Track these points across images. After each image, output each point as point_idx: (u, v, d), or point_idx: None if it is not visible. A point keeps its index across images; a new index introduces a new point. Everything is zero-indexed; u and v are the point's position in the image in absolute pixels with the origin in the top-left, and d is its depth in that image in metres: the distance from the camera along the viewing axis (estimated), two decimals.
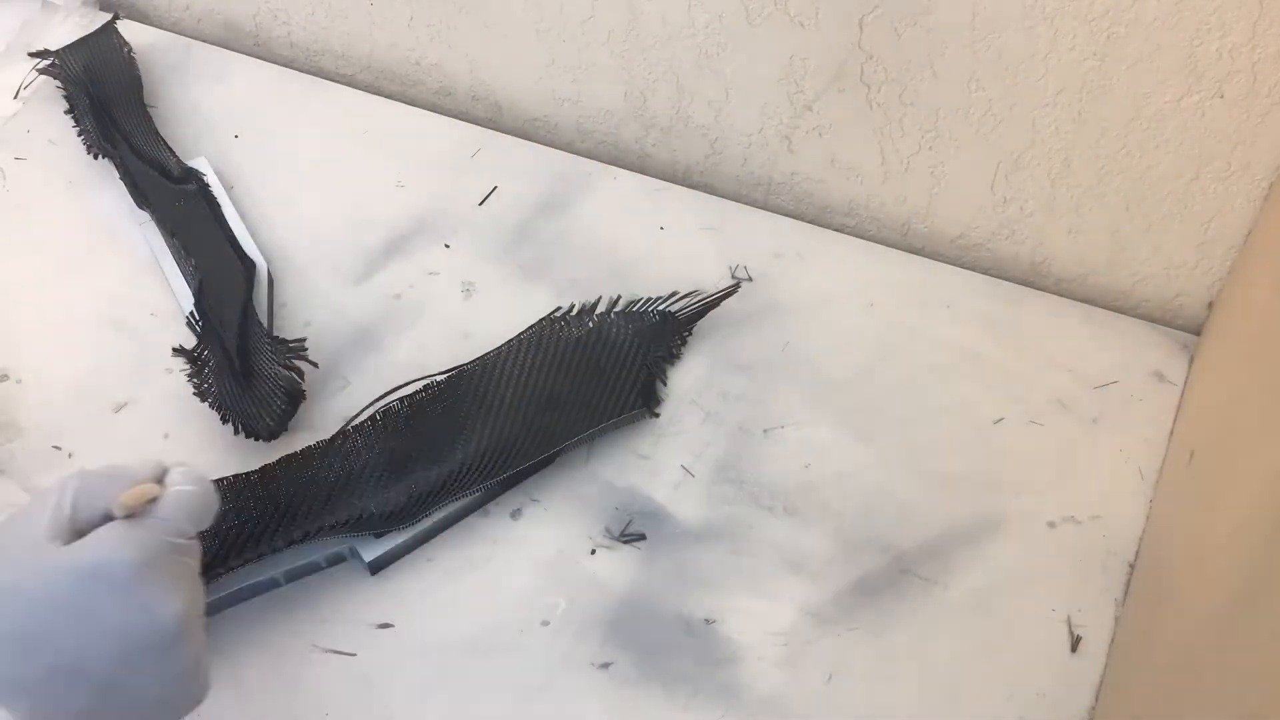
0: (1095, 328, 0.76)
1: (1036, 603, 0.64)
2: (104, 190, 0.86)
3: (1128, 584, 0.65)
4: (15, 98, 0.92)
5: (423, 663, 0.63)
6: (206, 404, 0.71)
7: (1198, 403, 0.69)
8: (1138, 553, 0.66)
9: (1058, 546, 0.66)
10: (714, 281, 0.79)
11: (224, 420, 0.71)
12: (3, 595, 0.44)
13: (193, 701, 0.48)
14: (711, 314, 0.77)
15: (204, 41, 0.97)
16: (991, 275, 0.80)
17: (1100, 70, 0.68)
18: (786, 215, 0.84)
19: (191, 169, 0.85)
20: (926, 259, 0.81)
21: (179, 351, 0.74)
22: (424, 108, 0.92)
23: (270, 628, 0.64)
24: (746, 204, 0.85)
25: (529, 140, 0.90)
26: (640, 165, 0.90)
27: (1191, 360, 0.74)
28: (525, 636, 0.64)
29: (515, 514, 0.68)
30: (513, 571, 0.66)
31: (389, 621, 0.64)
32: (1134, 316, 0.77)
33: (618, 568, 0.66)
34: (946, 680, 0.62)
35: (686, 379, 0.74)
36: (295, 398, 0.72)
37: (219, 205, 0.83)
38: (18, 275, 0.81)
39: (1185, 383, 0.73)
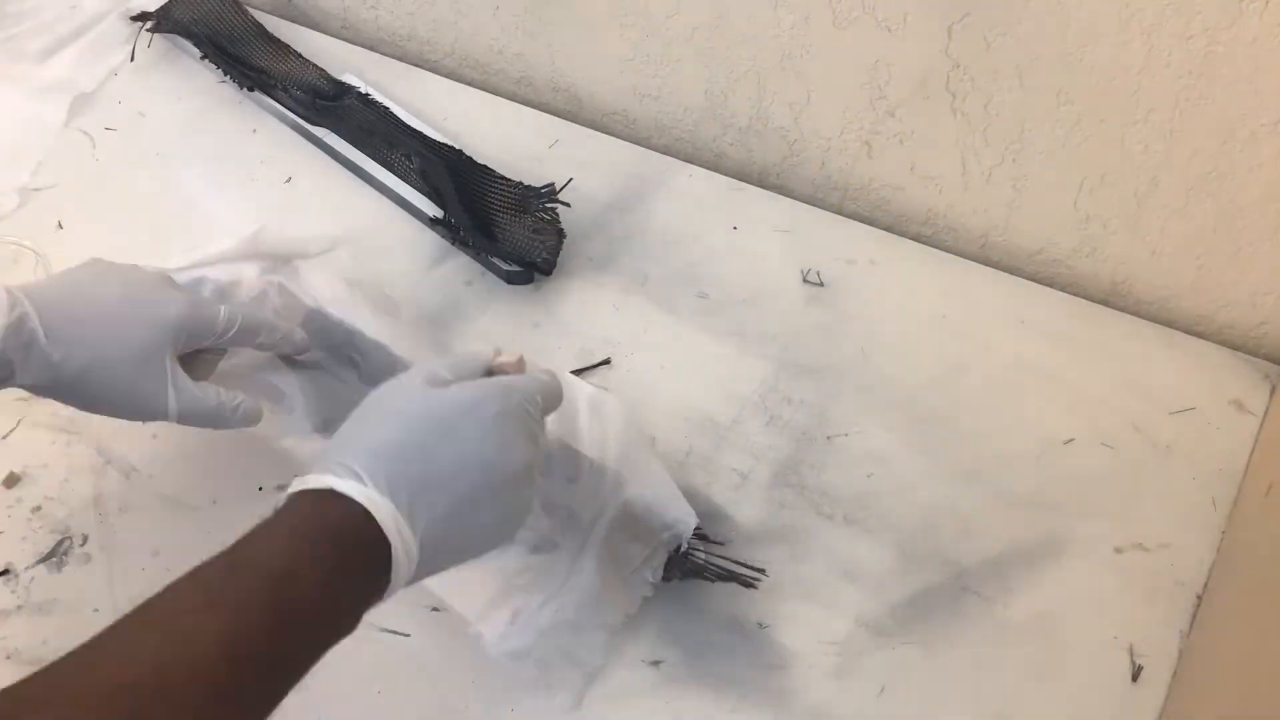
0: (1174, 352, 0.75)
1: (1098, 629, 0.63)
2: (191, 162, 0.88)
3: (1194, 615, 0.63)
4: (132, 60, 0.95)
5: (474, 647, 0.63)
6: (478, 260, 0.80)
7: (1278, 434, 0.67)
8: (1206, 584, 0.64)
9: (1123, 573, 0.65)
10: (785, 283, 0.78)
11: (493, 270, 0.80)
12: (394, 415, 0.53)
13: (513, 536, 0.56)
14: (777, 316, 0.77)
15: (291, 21, 0.99)
16: (1069, 293, 0.78)
17: (1195, 89, 0.67)
18: (862, 221, 0.83)
19: (345, 84, 0.89)
20: (1003, 273, 0.80)
21: (436, 221, 0.81)
22: (504, 97, 0.93)
23: None
24: (822, 208, 0.84)
25: (606, 134, 0.90)
26: (716, 164, 0.89)
27: (1273, 390, 0.72)
28: None
29: None
30: None
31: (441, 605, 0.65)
32: (1215, 343, 0.75)
33: None
34: (1001, 702, 0.61)
35: (751, 381, 0.74)
36: (562, 233, 0.79)
37: (387, 108, 0.87)
38: (104, 243, 0.83)
39: (1265, 413, 0.71)
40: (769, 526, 0.67)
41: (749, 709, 0.61)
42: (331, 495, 0.49)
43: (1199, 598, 0.64)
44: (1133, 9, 0.65)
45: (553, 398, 0.59)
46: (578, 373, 0.74)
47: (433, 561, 0.51)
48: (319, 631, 0.48)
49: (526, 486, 0.55)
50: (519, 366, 0.59)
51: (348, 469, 0.50)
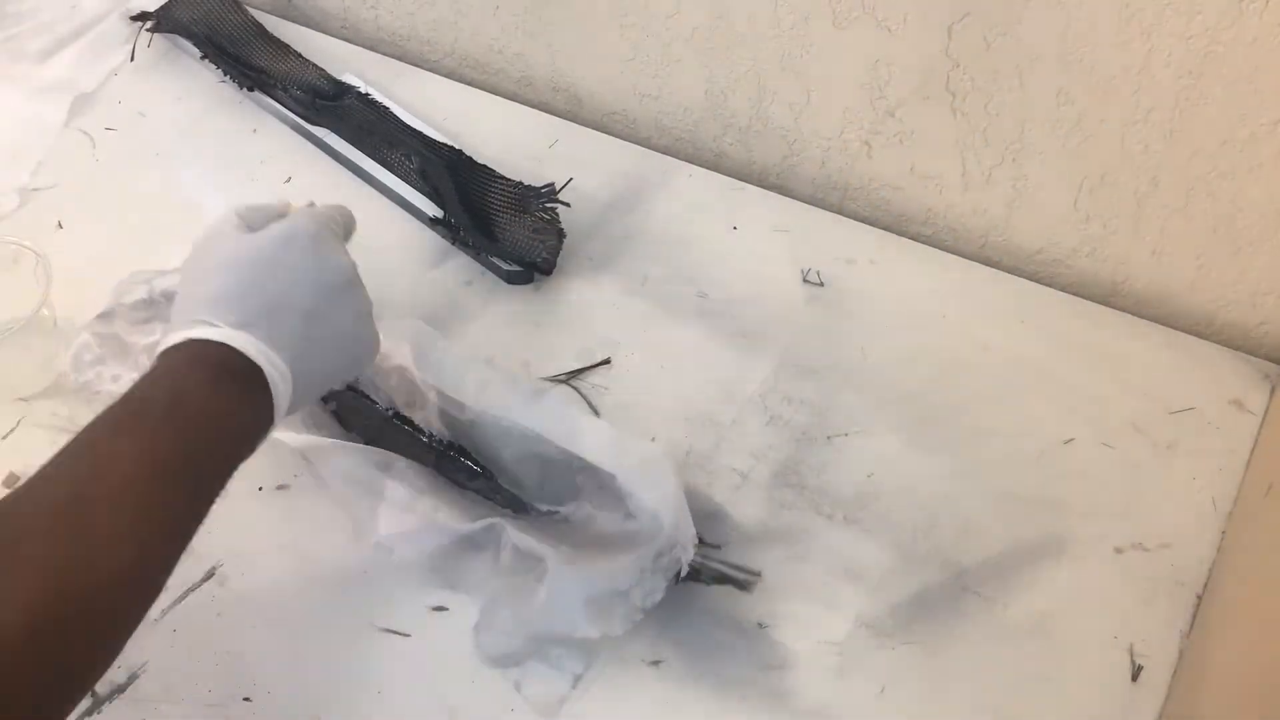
0: (1174, 352, 0.75)
1: (1098, 629, 0.63)
2: (191, 162, 0.88)
3: (1194, 615, 0.63)
4: (132, 60, 0.95)
5: (474, 647, 0.63)
6: (478, 260, 0.81)
7: (1278, 434, 0.67)
8: (1206, 584, 0.64)
9: (1123, 573, 0.65)
10: (785, 283, 0.78)
11: (493, 269, 0.80)
12: (224, 265, 0.58)
13: (375, 343, 0.63)
14: (778, 317, 0.77)
15: (291, 21, 0.99)
16: (1069, 293, 0.78)
17: (1195, 89, 0.67)
18: (862, 221, 0.83)
19: (344, 83, 0.89)
20: (1003, 273, 0.80)
21: (436, 221, 0.81)
22: (504, 97, 0.93)
23: (330, 604, 0.65)
24: (822, 208, 0.84)
25: (606, 134, 0.90)
26: (716, 164, 0.89)
27: (1273, 390, 0.72)
28: None
29: None
30: None
31: (444, 605, 0.65)
32: (1215, 342, 0.75)
33: None
34: (1001, 702, 0.61)
35: (751, 382, 0.74)
36: (562, 233, 0.79)
37: (387, 108, 0.88)
38: (103, 243, 0.83)
39: (1265, 413, 0.71)
40: (769, 526, 0.67)
41: (749, 709, 0.61)
42: (197, 343, 0.55)
43: (1199, 598, 0.64)
44: (1133, 9, 0.65)
45: (349, 223, 0.66)
46: (577, 373, 0.74)
47: (306, 379, 0.57)
48: (221, 447, 0.54)
49: (358, 287, 0.61)
50: (308, 203, 0.66)
51: (200, 322, 0.55)
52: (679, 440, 0.71)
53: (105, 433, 0.51)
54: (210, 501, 0.53)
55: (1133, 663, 0.62)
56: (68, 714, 0.47)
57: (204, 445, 0.53)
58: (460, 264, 0.81)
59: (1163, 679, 0.61)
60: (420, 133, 0.86)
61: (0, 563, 0.46)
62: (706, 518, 0.68)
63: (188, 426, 0.52)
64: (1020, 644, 0.63)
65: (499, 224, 0.81)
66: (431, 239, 0.83)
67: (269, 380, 0.55)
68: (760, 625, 0.64)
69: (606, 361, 0.75)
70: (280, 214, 0.63)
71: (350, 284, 0.61)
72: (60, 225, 0.84)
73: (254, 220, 0.61)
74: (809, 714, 0.61)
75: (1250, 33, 0.63)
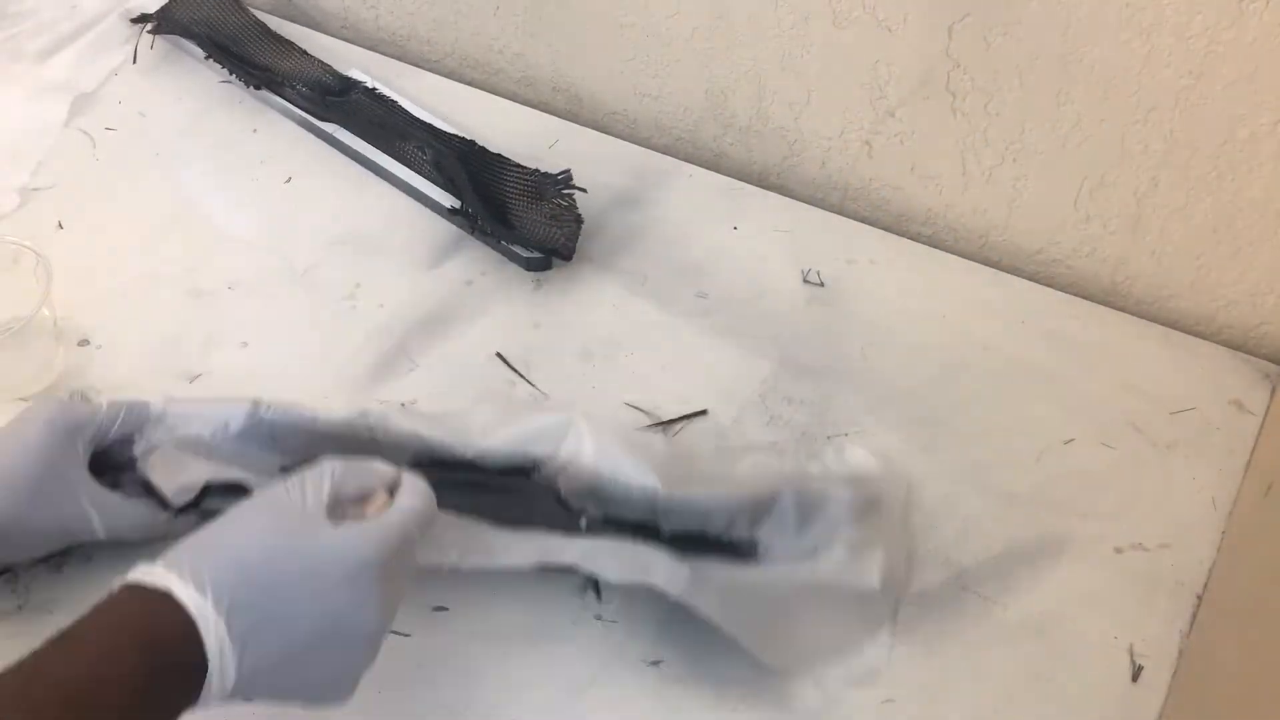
0: (1174, 352, 0.75)
1: (1098, 629, 0.63)
2: (191, 162, 0.88)
3: (1194, 615, 0.63)
4: (134, 62, 0.95)
5: (475, 647, 0.63)
6: (496, 249, 0.81)
7: (1278, 434, 0.67)
8: (1206, 584, 0.64)
9: (1123, 573, 0.65)
10: (785, 283, 0.78)
11: (512, 257, 0.80)
12: (262, 536, 0.50)
13: (340, 701, 0.52)
14: (777, 316, 0.77)
15: (292, 22, 0.99)
16: (1069, 293, 0.78)
17: (1195, 89, 0.67)
18: (862, 221, 0.83)
19: (351, 79, 0.90)
20: (1003, 272, 0.80)
21: (454, 211, 0.81)
22: (504, 97, 0.93)
23: None
24: (822, 208, 0.84)
25: (607, 134, 0.90)
26: (716, 164, 0.89)
27: (1273, 390, 0.72)
28: (578, 629, 0.64)
29: None
30: None
31: (444, 605, 0.65)
32: (1215, 342, 0.76)
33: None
34: (1001, 701, 0.61)
35: (751, 381, 0.74)
36: (580, 218, 0.79)
37: (395, 102, 0.88)
38: (102, 242, 0.83)
39: (1265, 413, 0.71)
40: None
41: (749, 709, 0.61)
42: (165, 598, 0.47)
43: (1199, 598, 0.64)
44: (1133, 9, 0.65)
45: (427, 526, 0.56)
46: (672, 422, 0.71)
47: (248, 693, 0.49)
48: None
49: (369, 651, 0.52)
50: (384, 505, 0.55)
51: (196, 576, 0.48)
52: (679, 440, 0.71)
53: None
54: None
55: (1133, 663, 0.62)
56: None
57: None
58: (461, 263, 0.81)
59: (1163, 679, 0.61)
60: (430, 125, 0.87)
61: None
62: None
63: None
64: (1020, 644, 0.63)
65: (515, 212, 0.81)
66: (434, 237, 0.83)
67: (207, 685, 0.47)
68: None
69: (703, 413, 0.72)
70: (382, 486, 0.56)
71: (369, 643, 0.52)
72: (60, 225, 0.84)
73: (357, 485, 0.55)
74: (809, 714, 0.60)
75: (1250, 33, 0.63)
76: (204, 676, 0.47)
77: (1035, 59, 0.70)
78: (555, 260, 0.80)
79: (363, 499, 0.55)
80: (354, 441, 0.65)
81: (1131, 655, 0.62)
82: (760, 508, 0.64)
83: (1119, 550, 0.66)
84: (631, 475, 0.64)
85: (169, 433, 0.64)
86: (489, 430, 0.66)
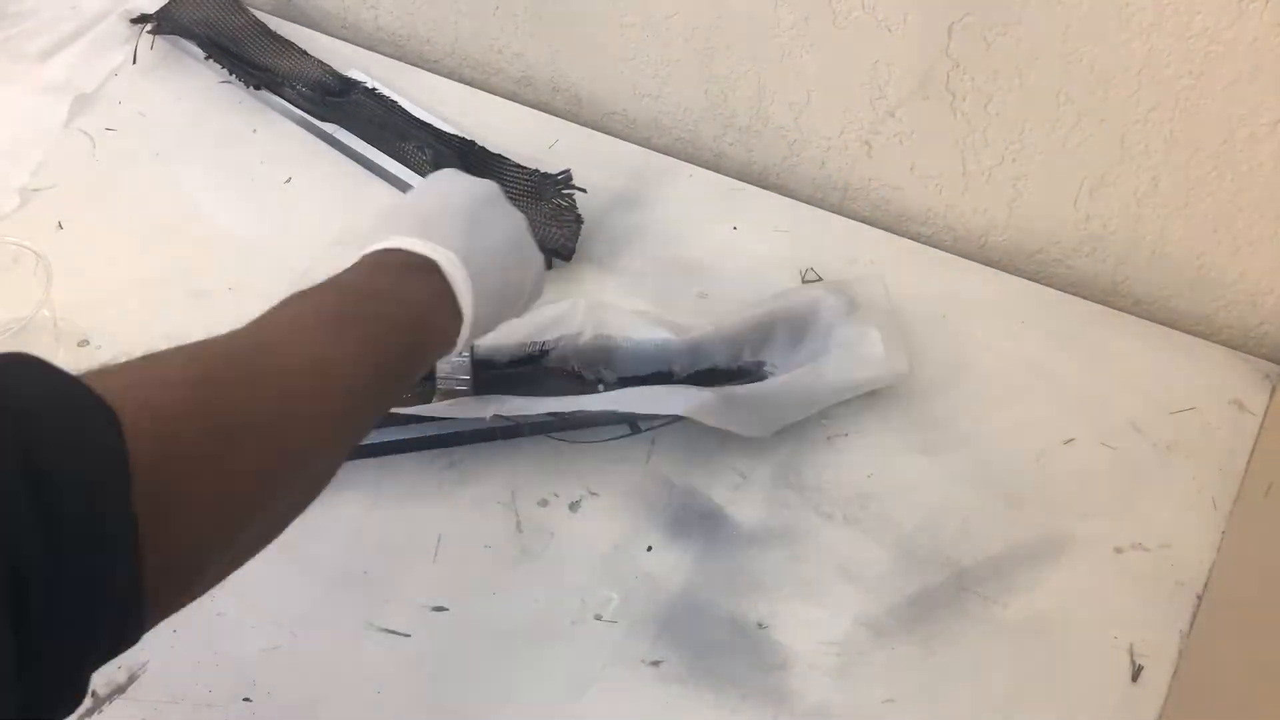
0: (1174, 352, 0.75)
1: (1098, 629, 0.63)
2: (191, 162, 0.88)
3: (1194, 615, 0.63)
4: (134, 62, 0.95)
5: (474, 647, 0.63)
6: None
7: (1278, 434, 0.67)
8: (1206, 584, 0.64)
9: (1123, 573, 0.65)
10: (785, 283, 0.78)
11: None
12: (440, 194, 0.61)
13: (540, 268, 0.64)
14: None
15: (291, 22, 0.99)
16: (1069, 293, 0.78)
17: (1195, 89, 0.67)
18: (862, 221, 0.83)
19: (351, 79, 0.90)
20: (1003, 272, 0.80)
21: None
22: (504, 97, 0.93)
23: (329, 604, 0.65)
24: (822, 208, 0.84)
25: (606, 134, 0.90)
26: (716, 164, 0.89)
27: (1273, 390, 0.72)
28: (578, 628, 0.64)
29: (573, 506, 0.69)
30: (568, 563, 0.66)
31: (444, 605, 0.65)
32: (1215, 343, 0.75)
33: (673, 566, 0.66)
34: (1001, 701, 0.61)
35: None
36: (580, 218, 0.80)
37: (395, 102, 0.88)
38: (102, 243, 0.83)
39: (1265, 413, 0.71)
40: (769, 526, 0.67)
41: (749, 709, 0.61)
42: (381, 251, 0.56)
43: (1199, 598, 0.64)
44: (1133, 9, 0.65)
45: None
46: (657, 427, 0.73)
47: (480, 279, 0.57)
48: (428, 347, 0.55)
49: (507, 204, 0.63)
50: None
51: (375, 242, 0.57)
52: (679, 439, 0.71)
53: (291, 298, 0.52)
54: (398, 363, 0.53)
55: (1133, 663, 0.62)
56: (239, 480, 0.45)
57: (381, 302, 0.53)
58: None
59: (1163, 678, 0.61)
60: (430, 125, 0.87)
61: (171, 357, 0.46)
62: (707, 517, 0.68)
63: (363, 287, 0.54)
64: (1020, 644, 0.63)
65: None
66: None
67: (442, 269, 0.56)
68: (760, 625, 0.64)
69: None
70: None
71: (498, 198, 0.62)
72: (60, 225, 0.84)
73: None
74: (809, 714, 0.61)
75: (1250, 33, 0.63)
76: (449, 289, 0.56)
77: (1035, 59, 0.70)
78: (555, 260, 0.80)
79: None
80: None
81: (1131, 655, 0.62)
82: (760, 335, 0.72)
83: (1119, 550, 0.66)
84: (644, 332, 0.71)
85: None
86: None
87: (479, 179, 0.63)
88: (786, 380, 0.70)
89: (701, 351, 0.72)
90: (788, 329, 0.72)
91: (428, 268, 0.56)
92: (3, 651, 0.32)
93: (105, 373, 0.41)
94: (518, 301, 0.62)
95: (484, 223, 0.60)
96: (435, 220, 0.58)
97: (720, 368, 0.72)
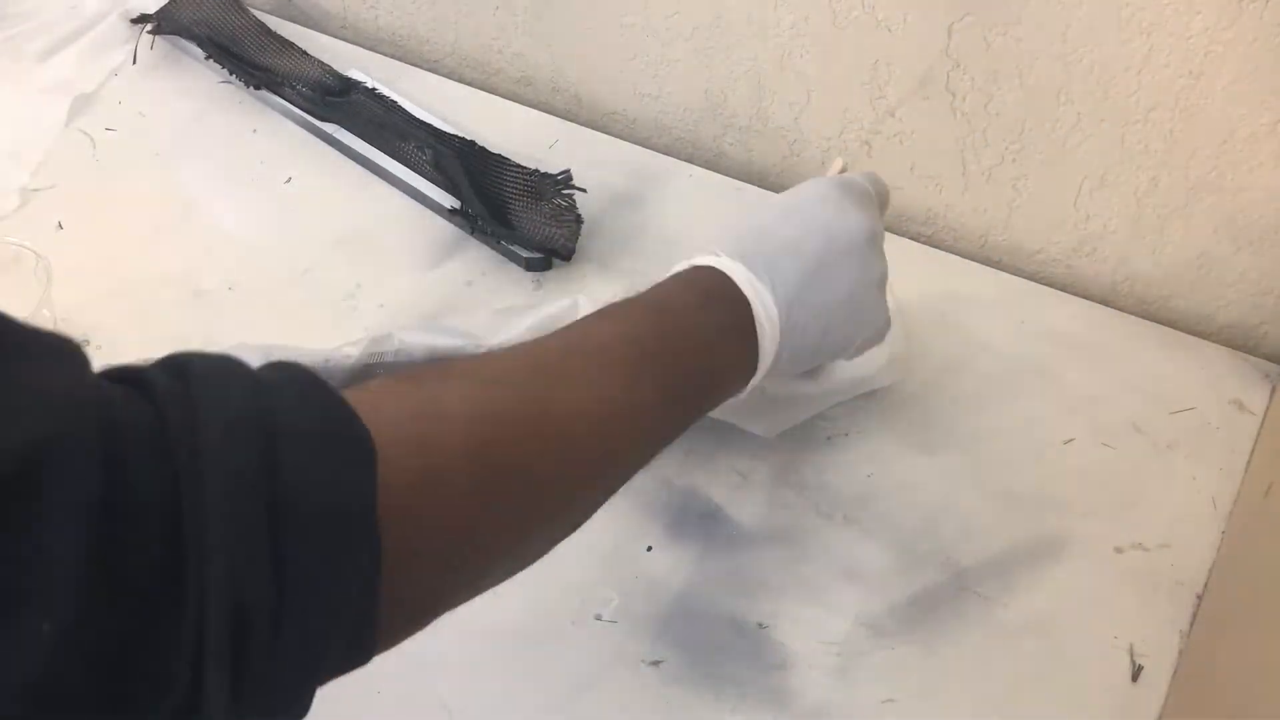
0: (1174, 352, 0.75)
1: (1098, 629, 0.63)
2: (191, 162, 0.88)
3: (1194, 615, 0.63)
4: (134, 63, 0.95)
5: (474, 648, 0.63)
6: (496, 249, 0.82)
7: (1278, 434, 0.67)
8: (1206, 584, 0.64)
9: (1123, 573, 0.65)
10: None
11: (512, 258, 0.81)
12: (754, 215, 0.59)
13: (881, 323, 0.61)
14: None
15: (291, 21, 0.99)
16: (1069, 293, 0.78)
17: (1195, 89, 0.67)
18: None
19: (351, 79, 0.90)
20: (1003, 272, 0.80)
21: (454, 211, 0.82)
22: (504, 97, 0.93)
23: None
24: None
25: (606, 134, 0.90)
26: (716, 164, 0.89)
27: (1273, 390, 0.72)
28: (577, 629, 0.64)
29: None
30: (567, 563, 0.66)
31: None
32: (1215, 343, 0.75)
33: (672, 566, 0.66)
34: (1001, 701, 0.61)
35: None
36: (580, 219, 0.80)
37: (395, 102, 0.88)
38: (102, 242, 0.83)
39: (1265, 413, 0.71)
40: (769, 526, 0.67)
41: (749, 709, 0.61)
42: (694, 269, 0.55)
43: (1199, 598, 0.64)
44: (1133, 9, 0.65)
45: (884, 192, 0.64)
46: None
47: (795, 334, 0.55)
48: (698, 355, 0.53)
49: (872, 254, 0.58)
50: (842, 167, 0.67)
51: (709, 253, 0.56)
52: (679, 439, 0.71)
53: (590, 318, 0.52)
54: (685, 407, 0.53)
55: (1133, 663, 0.62)
56: (508, 532, 0.44)
57: (681, 340, 0.52)
58: (461, 264, 0.81)
59: (1163, 679, 0.61)
60: (430, 125, 0.87)
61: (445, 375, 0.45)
62: (707, 517, 0.68)
63: (665, 319, 0.52)
64: (1020, 644, 0.63)
65: (515, 212, 0.81)
66: (436, 236, 0.83)
67: (755, 318, 0.54)
68: (760, 625, 0.64)
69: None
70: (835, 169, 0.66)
71: (866, 244, 0.58)
72: (60, 225, 0.84)
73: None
74: (809, 714, 0.61)
75: (1250, 33, 0.63)
76: (752, 325, 0.54)
77: (1035, 59, 0.70)
78: (555, 260, 0.80)
79: None
80: (368, 376, 0.67)
81: (1131, 655, 0.62)
82: None
83: (1119, 550, 0.66)
84: None
85: None
86: (498, 329, 0.68)
87: (854, 211, 0.58)
88: (791, 379, 0.69)
89: None
90: None
91: (741, 303, 0.54)
92: (219, 686, 0.32)
93: (377, 394, 0.40)
94: (840, 353, 0.60)
95: (829, 268, 0.56)
96: (771, 249, 0.56)
97: None
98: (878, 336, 0.62)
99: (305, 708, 0.38)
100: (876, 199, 0.62)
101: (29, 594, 0.28)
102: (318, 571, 0.34)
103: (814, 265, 0.55)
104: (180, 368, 0.35)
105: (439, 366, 0.46)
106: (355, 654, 0.39)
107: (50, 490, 0.28)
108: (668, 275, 0.56)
